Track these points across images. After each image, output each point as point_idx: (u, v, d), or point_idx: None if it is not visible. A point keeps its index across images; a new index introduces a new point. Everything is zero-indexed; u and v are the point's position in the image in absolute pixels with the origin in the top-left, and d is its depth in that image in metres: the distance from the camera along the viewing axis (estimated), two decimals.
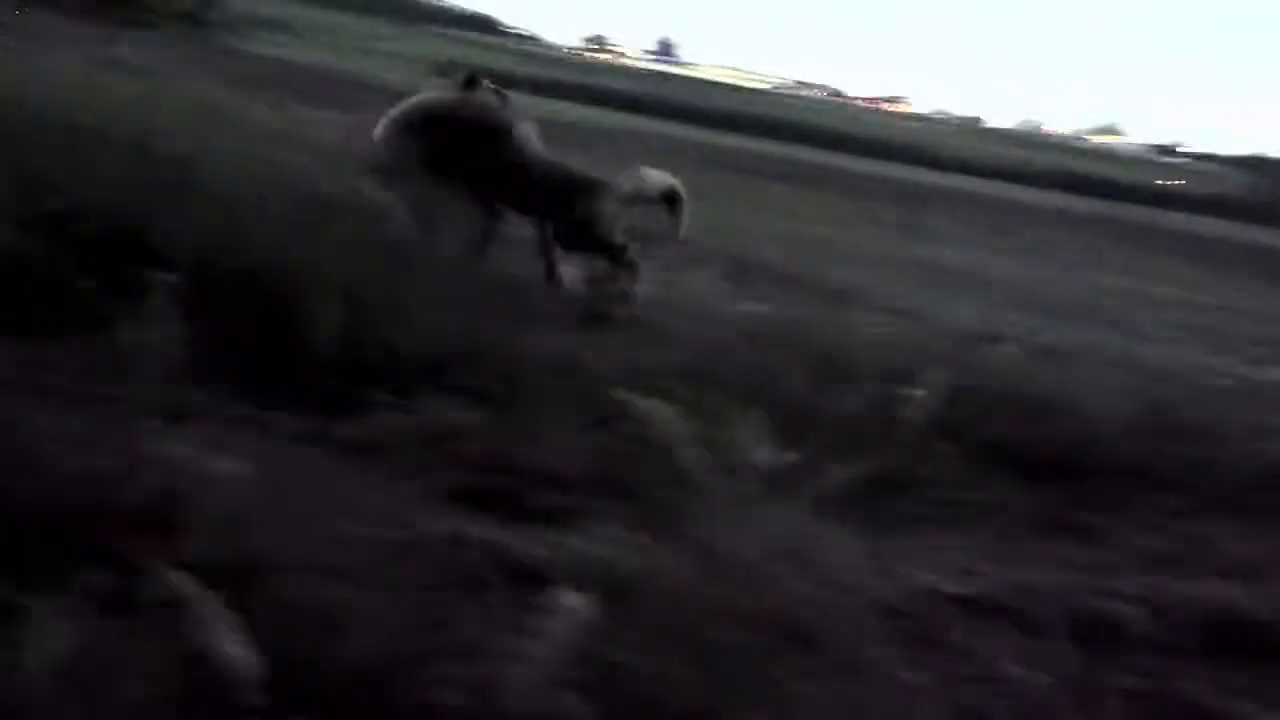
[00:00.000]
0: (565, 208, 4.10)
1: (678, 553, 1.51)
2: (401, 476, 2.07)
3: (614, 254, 4.15)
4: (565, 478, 2.23)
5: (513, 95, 4.68)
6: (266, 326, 2.28)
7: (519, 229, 4.28)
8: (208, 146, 3.55)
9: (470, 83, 4.30)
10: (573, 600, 1.38)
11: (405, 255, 2.91)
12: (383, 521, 1.78)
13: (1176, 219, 39.41)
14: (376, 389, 2.34)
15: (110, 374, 1.85)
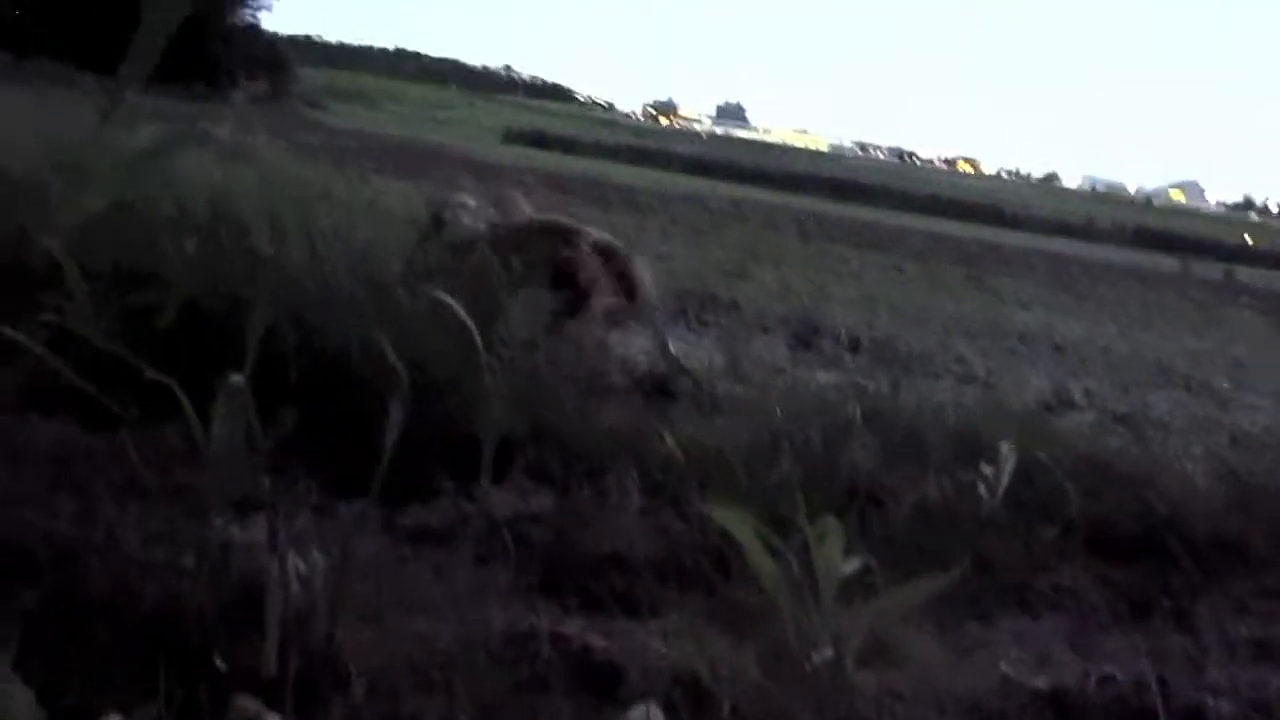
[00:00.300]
0: None
1: (755, 653, 1.49)
2: (468, 565, 2.07)
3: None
4: (634, 565, 2.22)
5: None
6: (338, 411, 2.31)
7: None
8: (289, 224, 3.66)
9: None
10: (645, 714, 1.35)
11: (473, 334, 2.94)
12: (450, 616, 1.77)
13: (1253, 276, 38.44)
14: (443, 474, 2.35)
15: (186, 463, 1.89)
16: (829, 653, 1.31)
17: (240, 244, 2.69)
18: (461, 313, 1.38)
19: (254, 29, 47.67)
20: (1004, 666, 2.14)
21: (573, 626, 1.92)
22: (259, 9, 47.85)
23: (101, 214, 2.41)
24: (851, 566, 1.43)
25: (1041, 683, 2.03)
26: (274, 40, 51.25)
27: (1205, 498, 3.40)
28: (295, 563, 1.57)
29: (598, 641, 1.86)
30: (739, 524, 1.41)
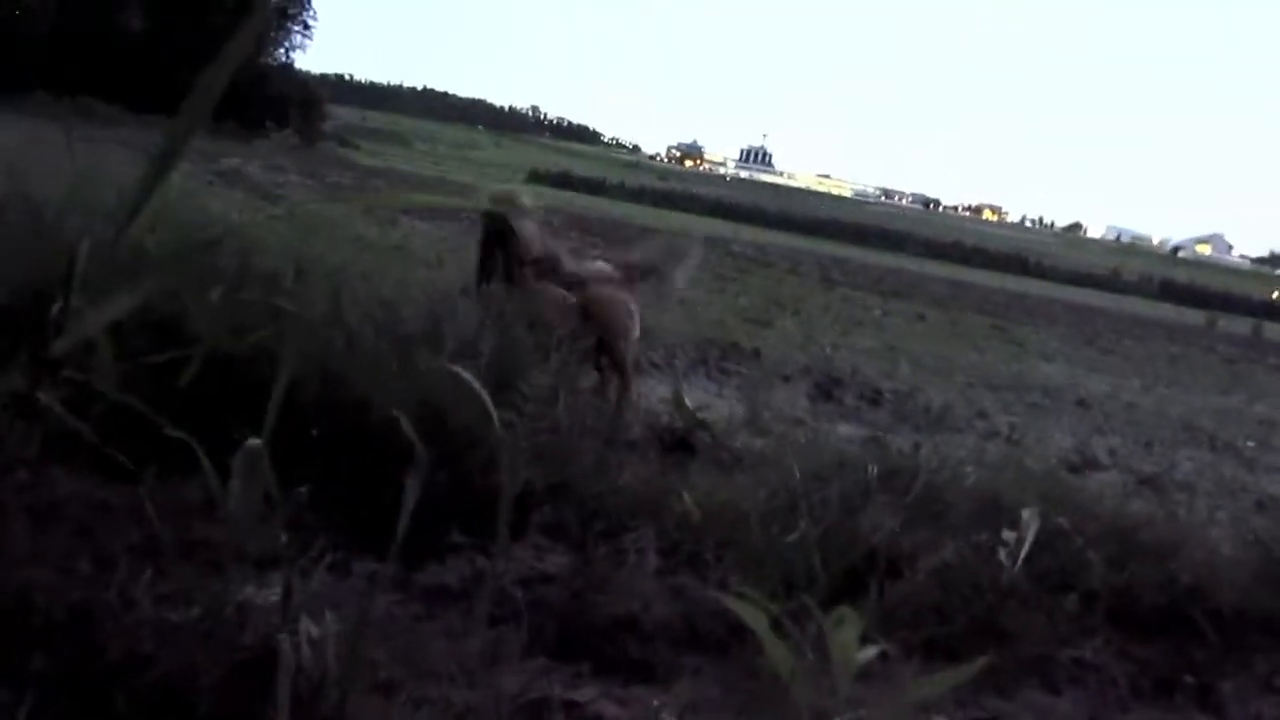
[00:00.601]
0: None
1: None
2: (482, 627, 2.06)
3: None
4: (649, 629, 2.20)
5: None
6: (358, 467, 2.31)
7: None
8: (316, 270, 3.68)
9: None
10: None
11: (491, 386, 2.94)
12: (462, 680, 1.76)
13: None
14: (459, 531, 2.34)
15: (204, 520, 1.89)
16: None
17: (267, 295, 2.70)
18: (473, 381, 1.37)
19: (288, 68, 48.48)
20: None
21: (586, 694, 1.90)
22: (294, 49, 48.72)
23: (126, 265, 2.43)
24: (867, 655, 1.40)
25: None
26: (307, 80, 52.08)
27: (1231, 568, 3.34)
28: (308, 627, 1.56)
29: (610, 710, 1.84)
30: (752, 613, 1.40)
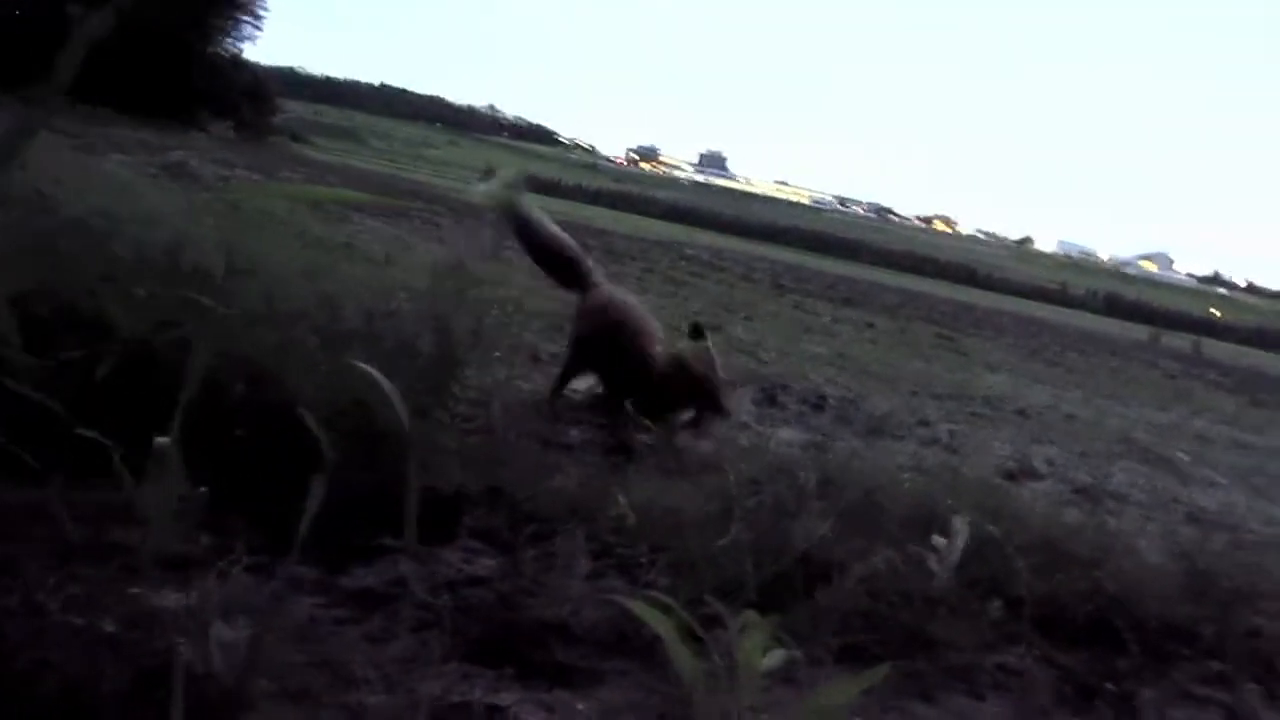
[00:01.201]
0: None
1: None
2: (405, 631, 2.04)
3: None
4: (577, 634, 2.19)
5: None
6: (283, 466, 2.28)
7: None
8: (254, 265, 3.63)
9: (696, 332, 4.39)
10: None
11: (431, 388, 2.92)
12: (380, 685, 1.74)
13: (1220, 350, 38.97)
14: (389, 534, 2.32)
15: (117, 521, 1.85)
16: None
17: (195, 290, 2.65)
18: (383, 380, 1.34)
19: (237, 60, 47.64)
20: None
21: (508, 698, 1.88)
22: (242, 40, 47.89)
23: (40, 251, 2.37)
24: (775, 661, 1.41)
25: None
26: (257, 72, 51.21)
27: (1157, 578, 3.40)
28: (220, 631, 1.53)
29: (532, 714, 1.83)
30: (657, 619, 1.39)
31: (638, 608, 1.45)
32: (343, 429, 2.27)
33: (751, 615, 1.41)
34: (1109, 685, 2.69)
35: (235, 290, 3.25)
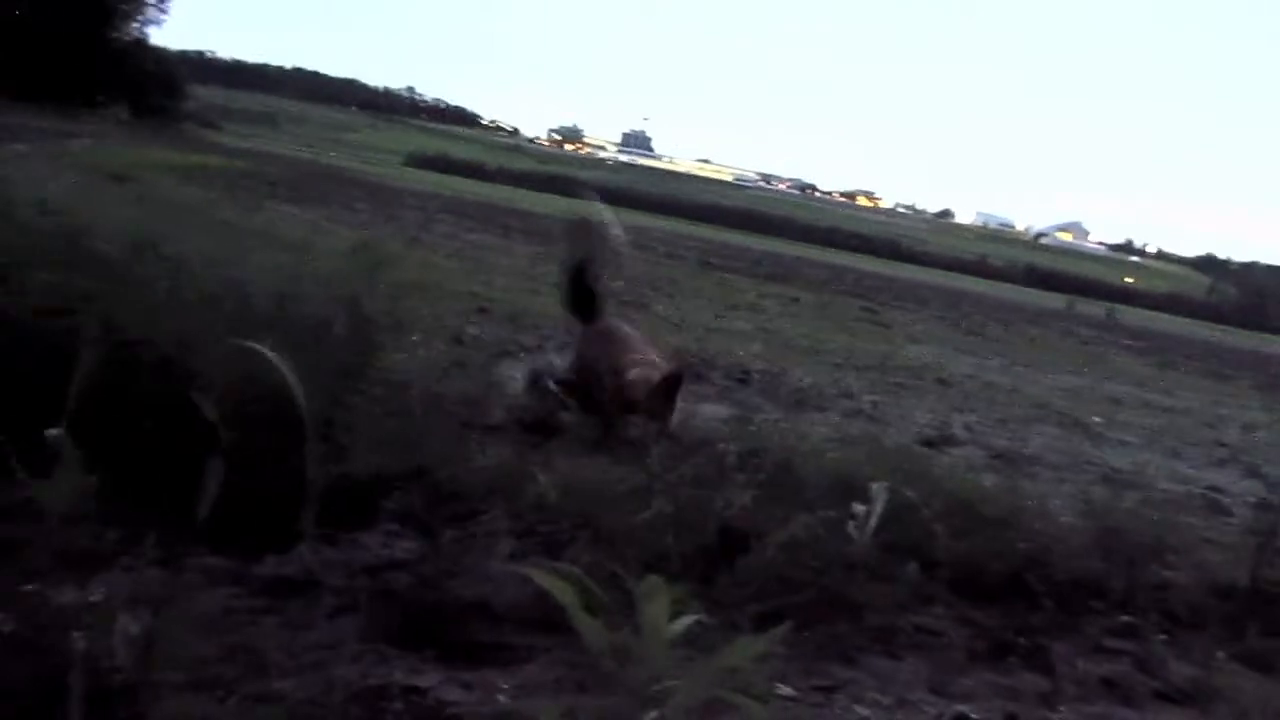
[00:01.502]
0: None
1: (608, 704, 1.46)
2: (324, 617, 2.02)
3: None
4: (500, 613, 2.19)
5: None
6: (193, 458, 2.23)
7: None
8: (161, 250, 3.54)
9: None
10: None
11: (346, 372, 2.88)
12: (296, 672, 1.72)
13: (1132, 315, 40.11)
14: (305, 519, 2.28)
15: (16, 516, 1.80)
16: (654, 715, 1.31)
17: (97, 277, 2.58)
18: (279, 363, 1.31)
19: (141, 44, 46.16)
20: (862, 710, 2.17)
21: (429, 679, 1.88)
22: (148, 23, 46.43)
23: None
24: (682, 625, 1.42)
25: None
26: (164, 56, 49.70)
27: (1069, 536, 3.51)
28: (126, 625, 1.50)
29: (452, 694, 1.82)
30: (563, 590, 1.40)
31: (544, 579, 1.45)
32: (257, 416, 2.23)
33: (656, 582, 1.42)
34: (1022, 640, 2.76)
35: (142, 277, 3.18)
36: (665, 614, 1.37)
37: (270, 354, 1.35)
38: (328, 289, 3.89)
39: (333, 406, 2.65)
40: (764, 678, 2.24)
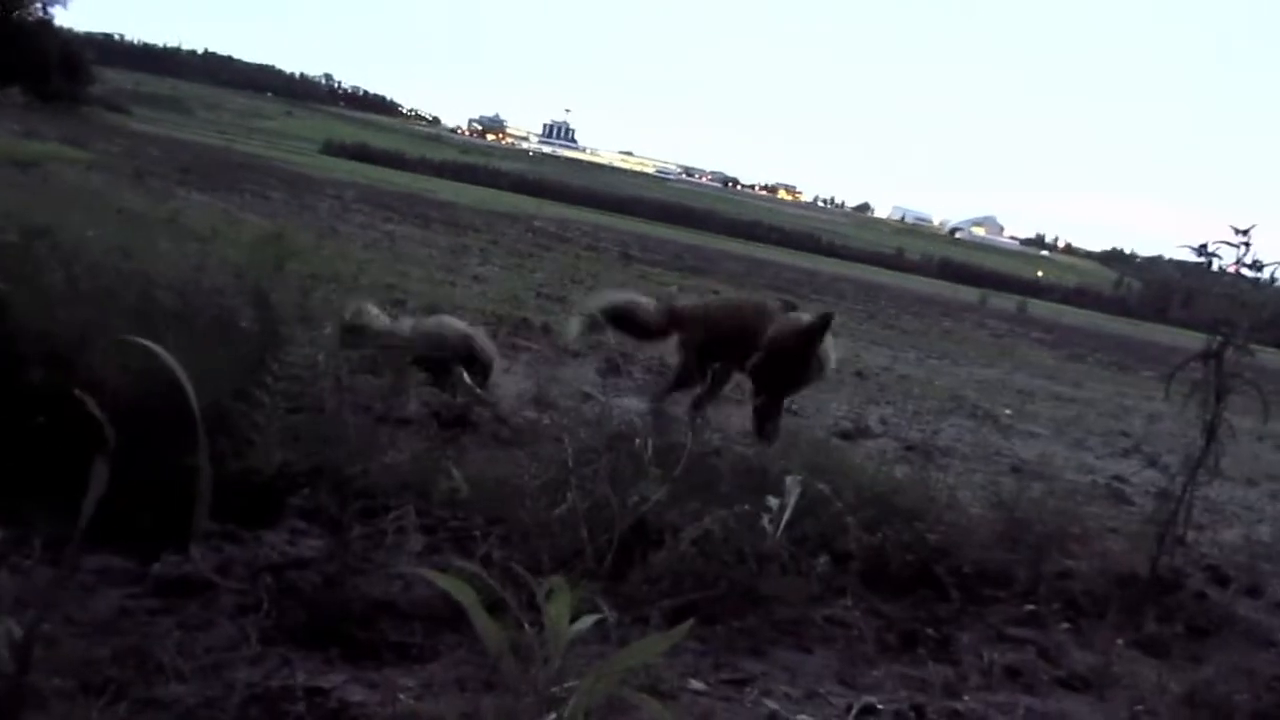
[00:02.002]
0: None
1: (509, 704, 1.45)
2: (224, 618, 1.96)
3: None
4: (407, 611, 2.15)
5: None
6: (86, 456, 2.15)
7: None
8: (60, 240, 3.42)
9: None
10: None
11: (251, 367, 2.80)
12: (194, 675, 1.67)
13: (1043, 308, 41.17)
14: (198, 518, 2.22)
15: None
16: (554, 716, 1.30)
17: None
18: (173, 363, 1.26)
19: (45, 25, 44.53)
20: (771, 703, 2.18)
21: (333, 679, 1.84)
22: (53, 3, 44.83)
23: None
24: (587, 623, 1.41)
25: (806, 717, 2.08)
26: (70, 38, 48.04)
27: (978, 528, 3.58)
28: (9, 628, 1.44)
29: (357, 694, 1.79)
30: (461, 589, 1.38)
31: (442, 580, 1.43)
32: (148, 412, 2.16)
33: (558, 582, 1.40)
34: (929, 630, 2.81)
35: (35, 267, 3.06)
36: (567, 613, 1.35)
37: (158, 349, 1.29)
38: (235, 280, 3.80)
39: (236, 401, 2.58)
40: (673, 674, 2.25)
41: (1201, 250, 3.58)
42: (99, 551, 2.03)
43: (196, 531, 1.34)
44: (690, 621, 1.44)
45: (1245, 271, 3.58)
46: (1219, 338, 3.56)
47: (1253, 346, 3.64)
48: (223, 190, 16.26)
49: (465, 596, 1.36)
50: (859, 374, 9.09)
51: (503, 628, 1.39)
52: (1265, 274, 3.55)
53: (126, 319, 2.87)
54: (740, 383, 6.63)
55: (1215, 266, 3.63)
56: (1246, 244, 3.54)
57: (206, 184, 16.96)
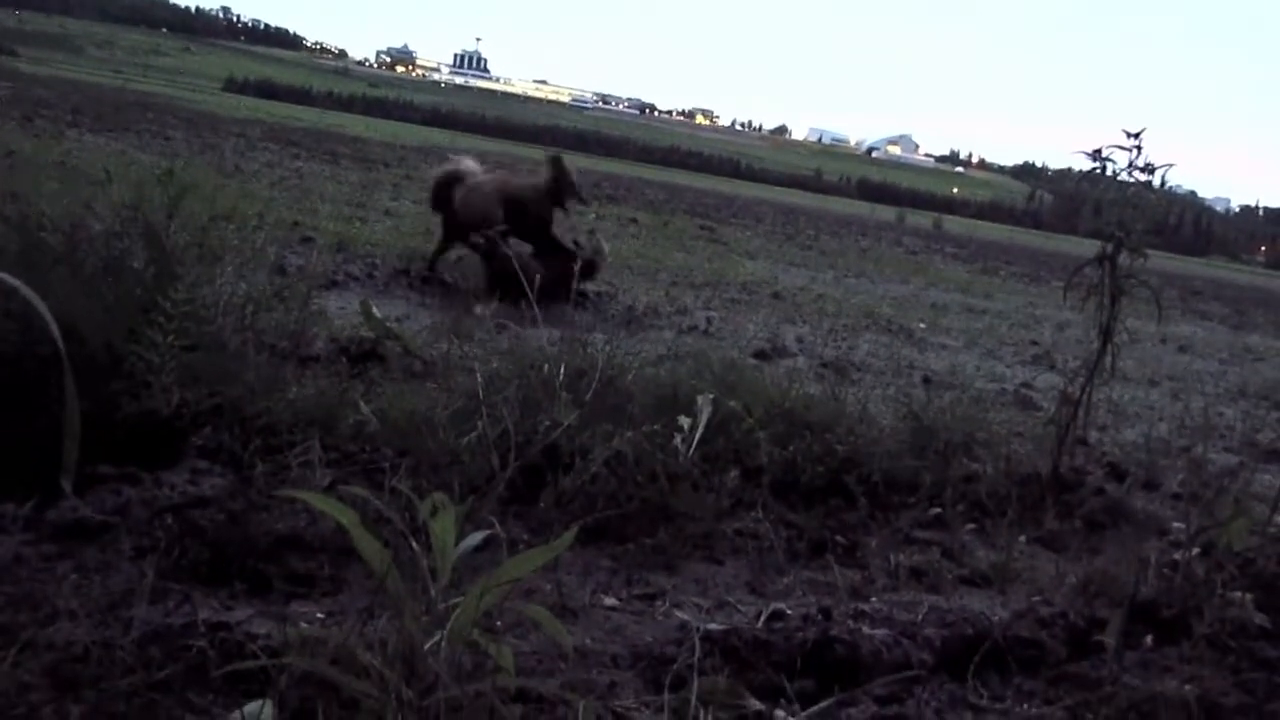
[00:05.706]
0: None
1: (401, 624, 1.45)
2: (123, 560, 1.93)
3: None
4: (313, 544, 2.14)
5: None
6: None
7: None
8: None
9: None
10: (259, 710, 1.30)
11: (144, 306, 2.72)
12: (93, 617, 1.64)
13: (958, 225, 41.80)
14: (106, 461, 2.18)
15: None
16: (440, 635, 1.30)
17: None
18: (34, 298, 1.21)
19: None
20: (681, 614, 2.23)
21: (238, 615, 1.83)
22: None
23: None
24: (475, 540, 1.42)
25: (716, 625, 2.12)
26: None
27: (887, 438, 3.66)
28: None
29: (263, 628, 1.78)
30: (341, 511, 1.37)
31: (318, 500, 1.42)
32: (39, 356, 2.10)
33: (440, 497, 1.40)
34: (838, 538, 2.88)
35: None
36: (452, 529, 1.36)
37: (16, 282, 1.24)
38: (127, 221, 3.67)
39: (128, 342, 2.51)
40: (584, 592, 2.28)
41: (1095, 155, 3.65)
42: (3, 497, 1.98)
43: (67, 468, 1.29)
44: (574, 530, 1.44)
45: (1138, 175, 3.66)
46: (1113, 242, 3.66)
47: (1147, 250, 3.75)
48: (118, 131, 15.64)
49: (345, 516, 1.35)
50: (776, 295, 9.17)
51: (383, 549, 1.39)
52: (1156, 177, 3.64)
53: (9, 263, 2.77)
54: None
55: (1110, 171, 3.70)
56: (1138, 148, 3.62)
57: (100, 125, 16.30)
